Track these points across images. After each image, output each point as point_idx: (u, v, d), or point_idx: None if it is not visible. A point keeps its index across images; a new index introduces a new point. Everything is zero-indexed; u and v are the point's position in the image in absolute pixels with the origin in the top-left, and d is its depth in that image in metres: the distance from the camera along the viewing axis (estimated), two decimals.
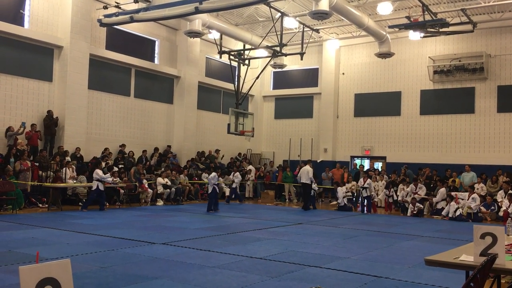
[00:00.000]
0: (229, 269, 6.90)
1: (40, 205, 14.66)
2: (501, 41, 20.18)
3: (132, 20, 16.68)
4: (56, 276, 2.30)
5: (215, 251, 8.27)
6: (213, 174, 16.09)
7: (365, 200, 17.71)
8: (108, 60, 18.98)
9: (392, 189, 17.75)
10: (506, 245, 4.30)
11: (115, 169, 17.01)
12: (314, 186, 18.30)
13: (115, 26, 18.48)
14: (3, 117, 15.68)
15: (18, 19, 16.35)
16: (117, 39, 19.53)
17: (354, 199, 18.43)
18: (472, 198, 15.43)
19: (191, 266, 6.99)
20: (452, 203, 15.58)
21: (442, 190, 16.54)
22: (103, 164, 16.99)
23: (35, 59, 16.71)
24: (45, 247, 8.13)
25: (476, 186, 16.84)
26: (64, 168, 15.38)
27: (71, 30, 17.05)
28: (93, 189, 14.69)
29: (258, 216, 14.59)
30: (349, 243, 9.80)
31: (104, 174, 15.02)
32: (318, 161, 23.52)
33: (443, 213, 15.74)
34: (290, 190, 21.14)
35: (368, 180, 17.54)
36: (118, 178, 16.06)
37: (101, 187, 14.72)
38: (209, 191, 15.74)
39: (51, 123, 16.57)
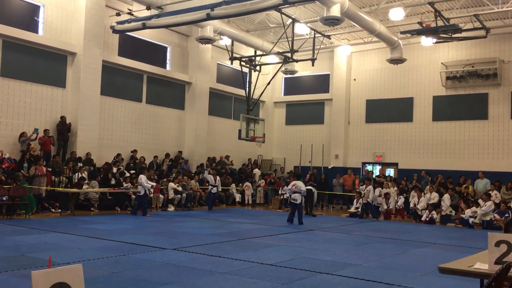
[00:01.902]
0: (240, 275, 6.88)
1: (53, 210, 14.77)
2: None
3: (144, 27, 16.83)
4: (68, 281, 2.30)
5: (226, 257, 8.25)
6: (301, 182, 14.82)
7: (365, 206, 17.56)
8: (120, 67, 19.15)
9: (401, 196, 17.62)
10: None
11: (127, 174, 17.11)
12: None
13: (128, 33, 18.66)
14: (17, 123, 15.87)
15: (32, 26, 16.58)
16: (130, 46, 19.70)
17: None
18: (484, 205, 15.24)
19: (202, 272, 6.98)
20: (467, 210, 15.49)
21: (447, 196, 16.44)
22: (115, 169, 17.11)
23: (49, 65, 16.91)
24: (57, 252, 8.17)
25: (491, 193, 16.62)
26: (77, 173, 15.53)
27: (84, 36, 17.24)
28: (142, 194, 15.11)
29: (269, 222, 14.54)
30: (361, 250, 9.72)
31: (150, 180, 15.68)
32: (329, 167, 23.44)
33: (465, 217, 15.52)
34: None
35: (369, 187, 17.42)
36: (130, 184, 16.17)
37: (148, 193, 15.46)
38: (298, 201, 14.37)
39: (64, 128, 16.73)
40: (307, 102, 25.44)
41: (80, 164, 16.18)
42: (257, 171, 22.65)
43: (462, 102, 20.98)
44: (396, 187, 18.27)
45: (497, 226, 14.86)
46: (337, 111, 23.95)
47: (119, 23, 17.39)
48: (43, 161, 15.14)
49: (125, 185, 16.06)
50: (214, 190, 17.97)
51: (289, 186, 14.84)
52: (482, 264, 4.02)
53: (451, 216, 16.16)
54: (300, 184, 14.60)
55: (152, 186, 15.78)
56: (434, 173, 19.57)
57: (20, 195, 13.40)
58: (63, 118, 16.80)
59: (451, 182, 18.24)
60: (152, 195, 16.73)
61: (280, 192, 20.62)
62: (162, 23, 16.64)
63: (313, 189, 17.89)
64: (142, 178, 15.28)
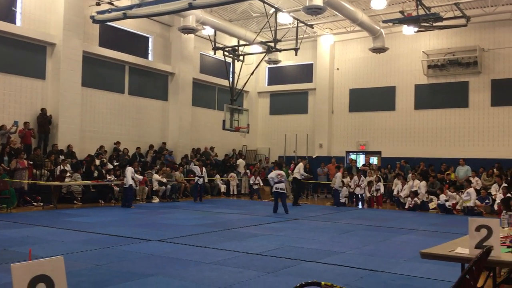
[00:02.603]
0: (225, 265, 6.89)
1: (35, 203, 14.58)
2: (494, 35, 20.21)
3: (125, 17, 16.60)
4: (49, 273, 2.27)
5: (211, 247, 8.26)
6: (283, 172, 15.15)
7: (334, 193, 17.94)
8: (101, 57, 18.88)
9: (379, 183, 17.84)
10: (501, 238, 4.31)
11: (110, 166, 16.97)
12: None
13: (108, 23, 18.39)
14: None
15: (10, 17, 16.21)
16: (111, 36, 19.42)
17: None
18: (467, 193, 15.48)
19: (187, 263, 6.97)
20: (442, 195, 15.78)
21: (423, 184, 16.76)
22: (98, 161, 16.95)
23: (28, 56, 16.59)
24: (40, 245, 8.09)
25: (472, 179, 16.89)
26: (59, 166, 15.34)
27: (64, 27, 16.94)
28: (126, 186, 15.04)
29: (254, 212, 14.58)
30: (345, 238, 9.81)
31: (136, 173, 15.59)
32: (314, 156, 23.53)
33: (440, 202, 15.79)
34: (286, 186, 21.12)
35: (338, 174, 17.69)
36: (114, 176, 16.03)
37: (133, 185, 15.29)
38: (285, 190, 14.80)
39: (44, 121, 16.47)
40: (291, 92, 25.45)
41: (62, 157, 15.98)
42: (241, 162, 22.64)
43: (443, 90, 21.20)
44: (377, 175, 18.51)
45: (477, 212, 15.14)
46: (321, 100, 24.02)
47: (99, 13, 17.12)
48: (24, 154, 14.91)
49: (108, 177, 15.91)
50: (201, 181, 17.93)
51: (272, 175, 14.70)
52: (463, 248, 4.10)
53: (428, 202, 16.49)
54: (283, 173, 14.71)
55: (136, 181, 15.65)
56: (416, 160, 19.80)
57: (0, 189, 13.19)
58: (43, 110, 16.53)
59: (433, 170, 18.48)
60: (138, 187, 16.60)
61: (251, 182, 20.63)
62: (143, 12, 16.44)
63: (304, 175, 17.83)
64: (128, 171, 15.15)
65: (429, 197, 16.62)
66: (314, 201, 19.56)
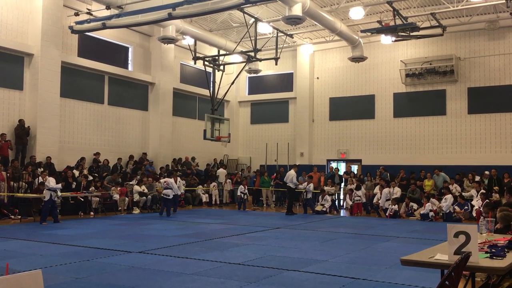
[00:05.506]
0: (207, 275, 6.85)
1: (12, 216, 14.29)
2: (470, 44, 20.68)
3: (104, 27, 16.48)
4: None
5: (193, 258, 8.20)
6: (172, 179, 16.38)
7: (306, 202, 18.20)
8: (80, 68, 18.72)
9: (359, 191, 17.98)
10: (479, 243, 4.38)
11: (90, 177, 16.75)
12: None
13: (87, 33, 18.25)
14: None
15: None
16: (90, 46, 19.28)
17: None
18: (445, 199, 15.72)
19: (169, 274, 6.91)
20: (428, 203, 15.93)
21: (385, 191, 17.17)
22: (77, 173, 16.72)
23: (5, 67, 16.35)
24: (18, 259, 7.92)
25: (450, 187, 17.15)
26: (37, 178, 15.07)
27: (42, 37, 16.76)
28: (46, 199, 13.21)
29: (236, 222, 14.53)
30: (327, 246, 9.84)
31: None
32: (297, 164, 23.59)
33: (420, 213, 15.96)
34: (268, 195, 21.17)
35: (310, 184, 18.10)
36: (93, 187, 15.79)
37: (53, 197, 13.31)
38: (170, 196, 16.02)
39: (22, 132, 16.22)
40: (272, 101, 25.57)
41: (41, 169, 15.71)
42: (221, 171, 22.54)
43: (421, 99, 21.56)
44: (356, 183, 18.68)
45: (456, 218, 15.35)
46: (301, 109, 24.18)
47: (78, 23, 16.96)
48: (1, 166, 14.63)
49: (90, 189, 15.67)
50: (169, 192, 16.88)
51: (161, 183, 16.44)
52: (442, 255, 4.15)
53: (410, 210, 16.69)
54: (171, 181, 16.05)
55: (58, 189, 13.55)
56: (396, 168, 20.02)
57: None
58: (21, 121, 16.29)
59: (413, 177, 18.68)
60: (58, 199, 14.42)
61: (239, 191, 19.24)
62: (122, 23, 16.34)
63: (296, 183, 17.79)
64: (50, 181, 13.41)
65: (410, 204, 16.76)
66: (295, 210, 19.57)
